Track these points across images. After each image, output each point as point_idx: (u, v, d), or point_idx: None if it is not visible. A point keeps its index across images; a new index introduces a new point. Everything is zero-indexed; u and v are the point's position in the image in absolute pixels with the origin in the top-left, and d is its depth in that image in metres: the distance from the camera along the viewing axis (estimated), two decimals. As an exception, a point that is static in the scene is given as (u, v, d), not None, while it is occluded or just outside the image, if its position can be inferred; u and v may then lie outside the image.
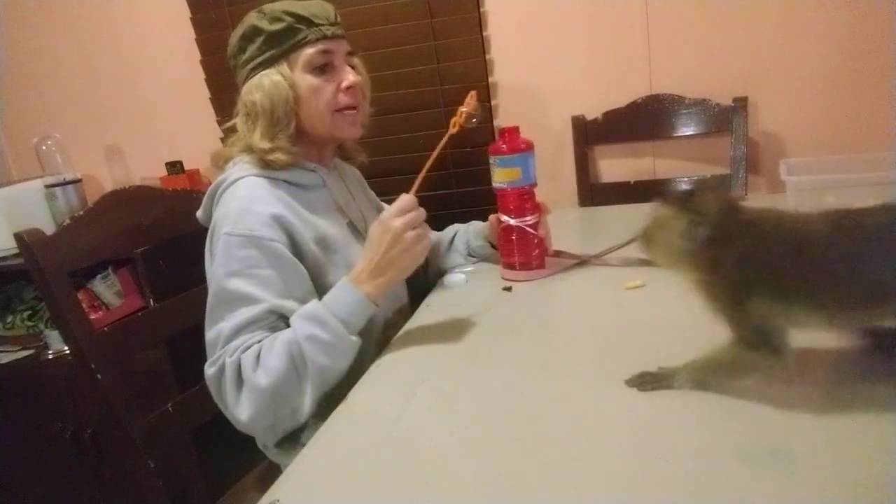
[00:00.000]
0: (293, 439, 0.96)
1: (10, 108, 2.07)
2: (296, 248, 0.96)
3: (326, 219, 1.04)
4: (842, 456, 0.57)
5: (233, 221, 0.92)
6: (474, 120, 1.06)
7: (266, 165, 1.00)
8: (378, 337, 1.07)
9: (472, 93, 1.06)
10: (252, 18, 1.01)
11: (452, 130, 1.03)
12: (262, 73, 1.00)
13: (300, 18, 0.99)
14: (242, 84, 1.02)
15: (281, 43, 0.99)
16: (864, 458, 0.57)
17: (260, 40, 1.00)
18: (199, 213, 1.05)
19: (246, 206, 0.94)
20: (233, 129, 1.05)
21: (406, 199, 0.93)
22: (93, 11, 1.92)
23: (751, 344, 0.67)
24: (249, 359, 0.85)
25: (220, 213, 0.95)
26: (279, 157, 0.99)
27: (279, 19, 0.99)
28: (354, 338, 0.89)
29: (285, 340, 0.86)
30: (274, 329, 0.89)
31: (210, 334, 0.91)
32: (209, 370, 0.89)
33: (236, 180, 0.99)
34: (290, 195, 1.00)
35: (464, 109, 1.05)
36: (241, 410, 0.85)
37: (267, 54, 1.00)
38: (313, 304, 0.89)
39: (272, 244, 0.91)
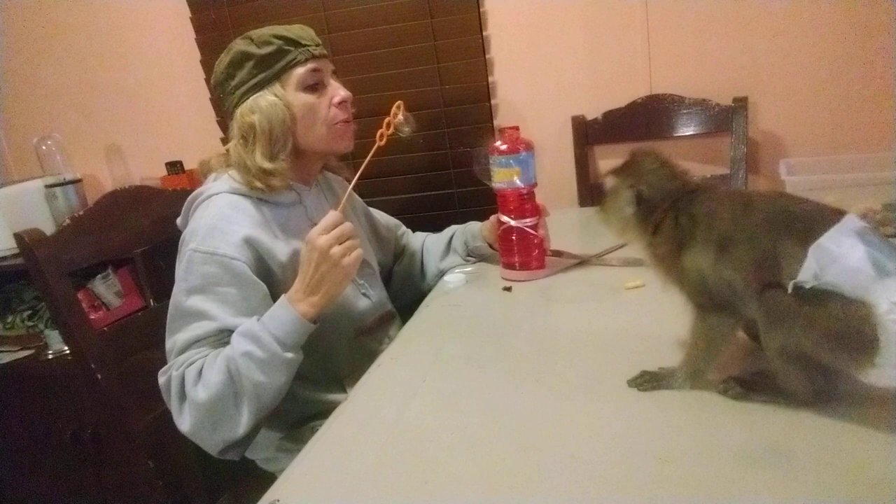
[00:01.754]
0: (237, 449, 0.94)
1: (10, 108, 2.07)
2: (264, 268, 0.98)
3: (299, 237, 1.03)
4: (842, 456, 0.57)
5: (200, 238, 0.94)
6: (406, 129, 1.07)
7: (248, 184, 1.00)
8: (348, 343, 1.08)
9: (399, 103, 1.07)
10: (239, 45, 1.02)
11: (380, 143, 1.04)
12: (256, 95, 1.01)
13: (288, 40, 1.01)
14: (233, 109, 1.03)
15: (272, 65, 1.01)
16: (864, 458, 0.57)
17: (250, 64, 1.01)
18: (178, 220, 1.07)
19: (215, 224, 0.95)
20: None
21: (331, 215, 0.95)
22: (93, 12, 1.92)
23: (705, 308, 0.70)
24: (192, 373, 0.88)
25: (191, 228, 0.97)
26: (275, 182, 1.00)
27: (268, 42, 1.01)
28: (290, 355, 0.90)
29: (225, 357, 0.88)
30: (224, 346, 0.91)
31: (167, 344, 0.94)
32: (160, 379, 0.93)
33: (211, 196, 1.00)
34: (263, 214, 1.01)
35: (392, 120, 1.06)
36: (183, 421, 0.89)
37: (259, 77, 1.01)
38: (251, 322, 0.90)
39: (234, 263, 0.93)
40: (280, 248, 1.00)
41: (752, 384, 0.68)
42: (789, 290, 0.60)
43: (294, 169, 1.06)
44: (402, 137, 1.09)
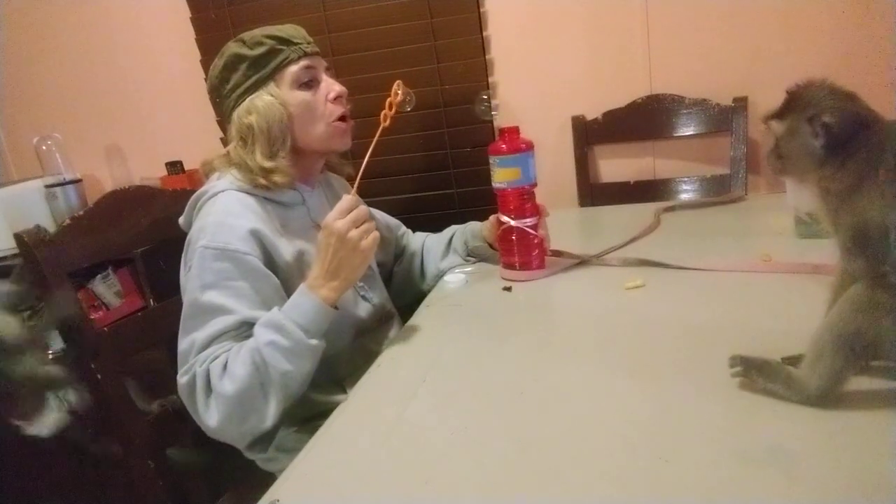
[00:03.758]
0: (264, 443, 0.96)
1: (10, 108, 2.07)
2: (270, 263, 0.98)
3: (301, 237, 1.05)
4: (842, 456, 0.57)
5: (209, 235, 0.94)
6: (408, 106, 1.08)
7: (251, 182, 1.01)
8: (349, 345, 1.08)
9: (398, 82, 1.07)
10: (232, 48, 1.03)
11: (385, 124, 1.04)
12: (252, 96, 1.02)
13: (280, 40, 1.02)
14: (230, 112, 1.04)
15: (265, 65, 1.02)
16: (863, 457, 0.57)
17: (244, 66, 1.02)
18: (181, 220, 1.07)
19: (222, 220, 0.95)
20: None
21: (346, 199, 0.95)
22: (93, 12, 1.92)
23: (879, 278, 0.58)
24: (217, 367, 0.88)
25: (198, 226, 0.97)
26: (277, 179, 1.01)
27: (260, 43, 1.01)
28: (315, 341, 0.90)
29: (249, 348, 0.88)
30: (246, 339, 0.91)
31: (183, 344, 0.93)
32: (181, 379, 0.91)
33: (216, 194, 1.00)
34: (267, 212, 1.01)
35: (393, 100, 1.05)
36: (210, 417, 0.89)
37: (253, 78, 1.02)
38: (273, 312, 0.91)
39: (246, 257, 0.93)
40: (284, 247, 1.00)
41: (758, 367, 0.67)
42: None
43: (296, 168, 1.06)
44: (405, 113, 1.10)
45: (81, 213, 1.10)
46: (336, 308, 0.93)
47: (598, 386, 0.77)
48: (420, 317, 1.09)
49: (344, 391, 1.05)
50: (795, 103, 0.67)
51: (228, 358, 0.88)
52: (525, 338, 0.97)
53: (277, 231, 1.01)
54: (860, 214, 0.60)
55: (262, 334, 0.88)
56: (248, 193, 1.01)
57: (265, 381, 0.87)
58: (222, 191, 1.00)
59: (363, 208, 0.95)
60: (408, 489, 0.63)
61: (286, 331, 0.88)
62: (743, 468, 0.57)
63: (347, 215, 0.93)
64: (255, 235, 0.96)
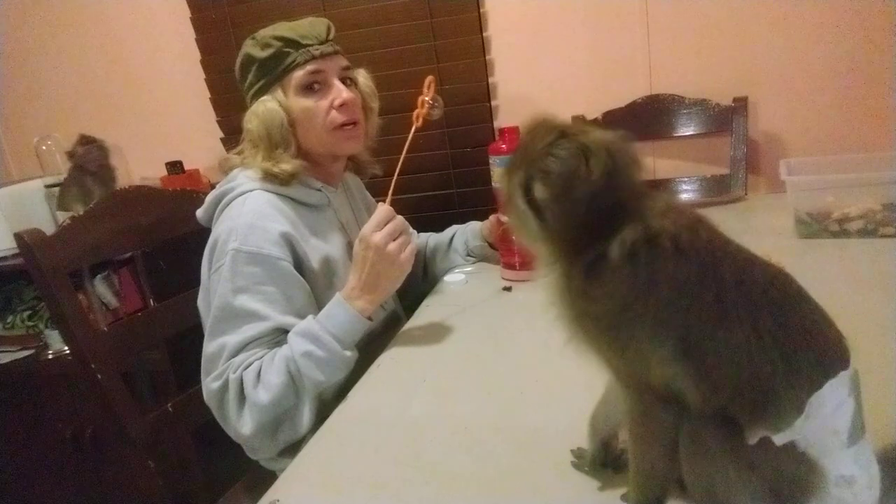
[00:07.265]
0: (293, 450, 0.96)
1: (10, 108, 2.07)
2: (299, 268, 0.97)
3: (328, 241, 1.05)
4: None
5: (241, 237, 0.92)
6: (436, 112, 1.06)
7: (273, 179, 1.00)
8: (362, 347, 1.07)
9: (430, 77, 1.04)
10: (247, 46, 1.03)
11: (417, 124, 1.03)
12: (260, 99, 1.02)
13: (288, 42, 1.00)
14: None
15: (272, 69, 1.01)
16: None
17: (254, 68, 1.02)
18: (199, 213, 1.06)
19: (254, 221, 0.94)
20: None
21: (383, 210, 0.94)
22: (93, 11, 1.92)
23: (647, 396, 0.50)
24: (251, 375, 0.87)
25: (227, 226, 0.95)
26: (284, 167, 1.00)
27: (268, 45, 1.01)
28: (349, 353, 0.90)
29: (283, 357, 0.88)
30: (278, 346, 0.90)
31: (211, 347, 0.92)
32: (212, 384, 0.90)
33: (244, 193, 0.99)
34: (295, 214, 1.00)
35: (427, 99, 1.04)
36: (244, 425, 0.88)
37: (262, 81, 1.02)
38: (308, 321, 0.90)
39: (279, 262, 0.93)
40: (312, 252, 1.00)
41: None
42: (776, 441, 0.46)
43: (314, 170, 1.06)
44: (434, 120, 1.07)
45: (81, 212, 1.10)
46: (370, 319, 0.93)
47: (598, 386, 0.76)
48: (420, 317, 1.09)
49: None
50: (520, 148, 0.46)
51: (262, 366, 0.88)
52: (525, 338, 0.97)
53: (306, 235, 1.00)
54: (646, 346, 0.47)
55: (297, 344, 0.88)
56: (277, 195, 1.00)
57: (299, 391, 0.87)
58: (251, 190, 0.99)
59: (399, 220, 0.94)
60: (408, 489, 0.63)
61: (322, 342, 0.87)
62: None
63: (384, 227, 0.92)
64: (287, 239, 0.95)
